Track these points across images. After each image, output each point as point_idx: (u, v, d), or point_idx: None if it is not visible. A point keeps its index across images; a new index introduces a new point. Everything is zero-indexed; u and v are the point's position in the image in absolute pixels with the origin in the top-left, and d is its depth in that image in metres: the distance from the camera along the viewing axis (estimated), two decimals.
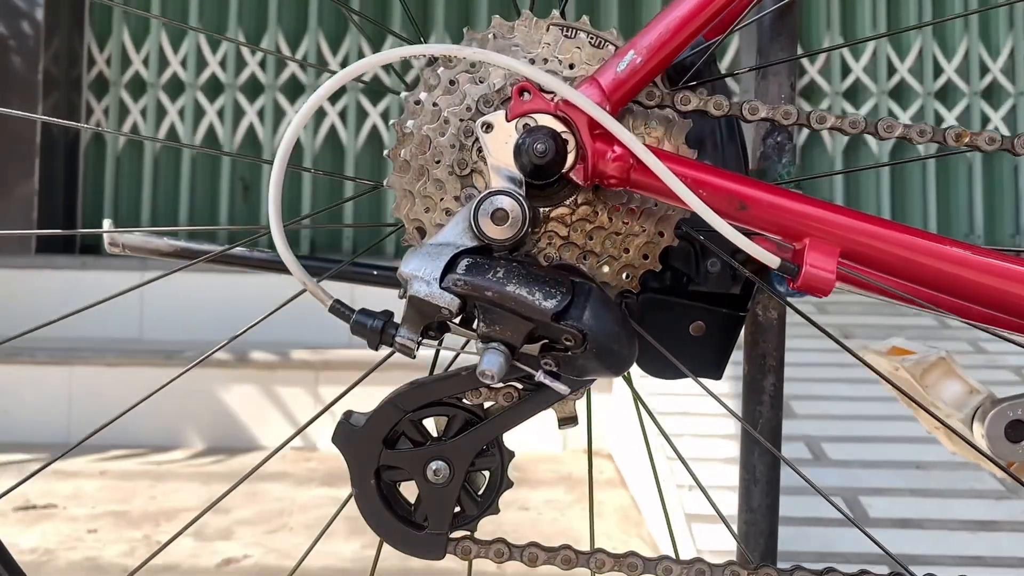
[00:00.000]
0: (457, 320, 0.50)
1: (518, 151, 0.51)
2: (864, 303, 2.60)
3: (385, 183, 0.60)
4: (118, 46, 3.57)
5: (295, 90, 3.58)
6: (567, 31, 0.58)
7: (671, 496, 1.61)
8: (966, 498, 1.61)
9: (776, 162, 0.74)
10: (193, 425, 2.55)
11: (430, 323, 0.50)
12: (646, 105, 0.55)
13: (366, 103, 3.55)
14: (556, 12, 0.60)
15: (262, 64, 3.56)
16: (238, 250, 0.73)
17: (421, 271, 0.49)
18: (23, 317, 2.91)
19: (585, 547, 0.58)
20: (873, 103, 3.47)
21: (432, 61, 0.59)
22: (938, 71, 3.48)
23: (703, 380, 0.71)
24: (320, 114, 3.57)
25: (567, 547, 0.57)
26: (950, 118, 3.44)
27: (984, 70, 3.46)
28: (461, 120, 0.57)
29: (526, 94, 0.51)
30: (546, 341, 0.49)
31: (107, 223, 0.74)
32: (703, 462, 1.71)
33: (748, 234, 0.53)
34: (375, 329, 0.50)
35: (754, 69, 0.69)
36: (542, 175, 0.51)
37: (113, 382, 2.56)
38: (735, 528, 0.79)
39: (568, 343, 0.49)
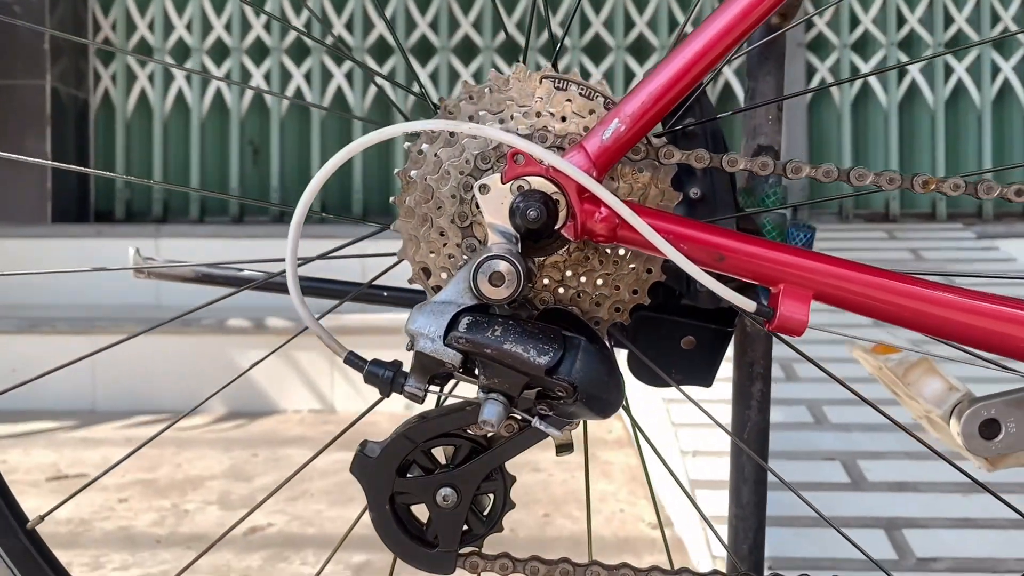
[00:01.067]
0: (460, 371, 0.55)
1: (512, 213, 0.55)
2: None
3: (392, 227, 0.64)
4: (122, 11, 3.57)
5: (301, 52, 3.58)
6: (558, 83, 0.62)
7: (675, 463, 1.68)
8: (960, 460, 1.66)
9: (763, 182, 0.77)
10: (213, 391, 2.63)
11: (436, 373, 0.55)
12: (632, 159, 0.59)
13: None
14: (548, 65, 0.63)
15: (267, 26, 3.56)
16: (258, 274, 0.78)
17: (426, 329, 0.54)
18: (40, 286, 2.99)
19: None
20: (882, 55, 3.45)
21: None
22: (949, 21, 3.45)
23: (694, 390, 0.76)
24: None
25: (565, 560, 0.63)
26: (960, 69, 3.42)
27: (996, 19, 3.42)
28: (461, 173, 0.61)
29: (519, 158, 0.55)
30: (541, 390, 0.55)
31: (131, 252, 0.79)
32: (707, 428, 1.77)
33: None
34: (386, 379, 0.56)
35: (741, 111, 0.73)
36: (536, 235, 0.56)
37: (134, 350, 2.64)
38: (726, 520, 0.85)
39: (560, 394, 0.54)
